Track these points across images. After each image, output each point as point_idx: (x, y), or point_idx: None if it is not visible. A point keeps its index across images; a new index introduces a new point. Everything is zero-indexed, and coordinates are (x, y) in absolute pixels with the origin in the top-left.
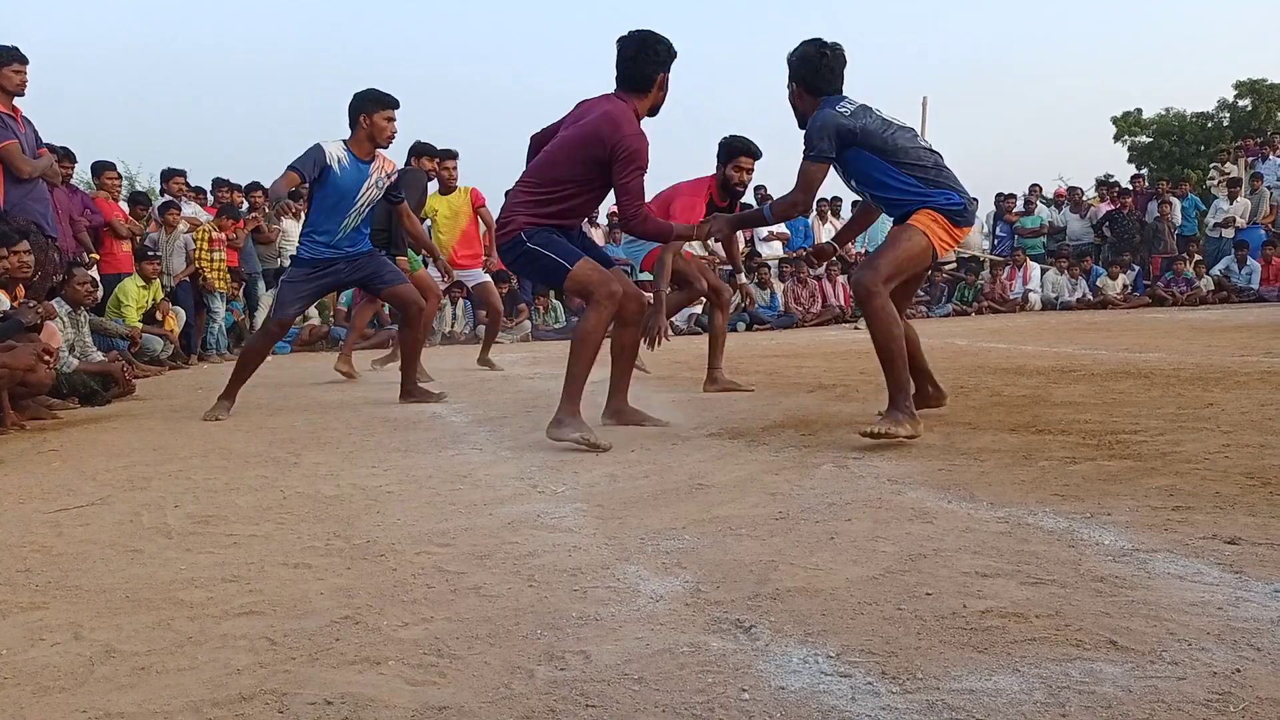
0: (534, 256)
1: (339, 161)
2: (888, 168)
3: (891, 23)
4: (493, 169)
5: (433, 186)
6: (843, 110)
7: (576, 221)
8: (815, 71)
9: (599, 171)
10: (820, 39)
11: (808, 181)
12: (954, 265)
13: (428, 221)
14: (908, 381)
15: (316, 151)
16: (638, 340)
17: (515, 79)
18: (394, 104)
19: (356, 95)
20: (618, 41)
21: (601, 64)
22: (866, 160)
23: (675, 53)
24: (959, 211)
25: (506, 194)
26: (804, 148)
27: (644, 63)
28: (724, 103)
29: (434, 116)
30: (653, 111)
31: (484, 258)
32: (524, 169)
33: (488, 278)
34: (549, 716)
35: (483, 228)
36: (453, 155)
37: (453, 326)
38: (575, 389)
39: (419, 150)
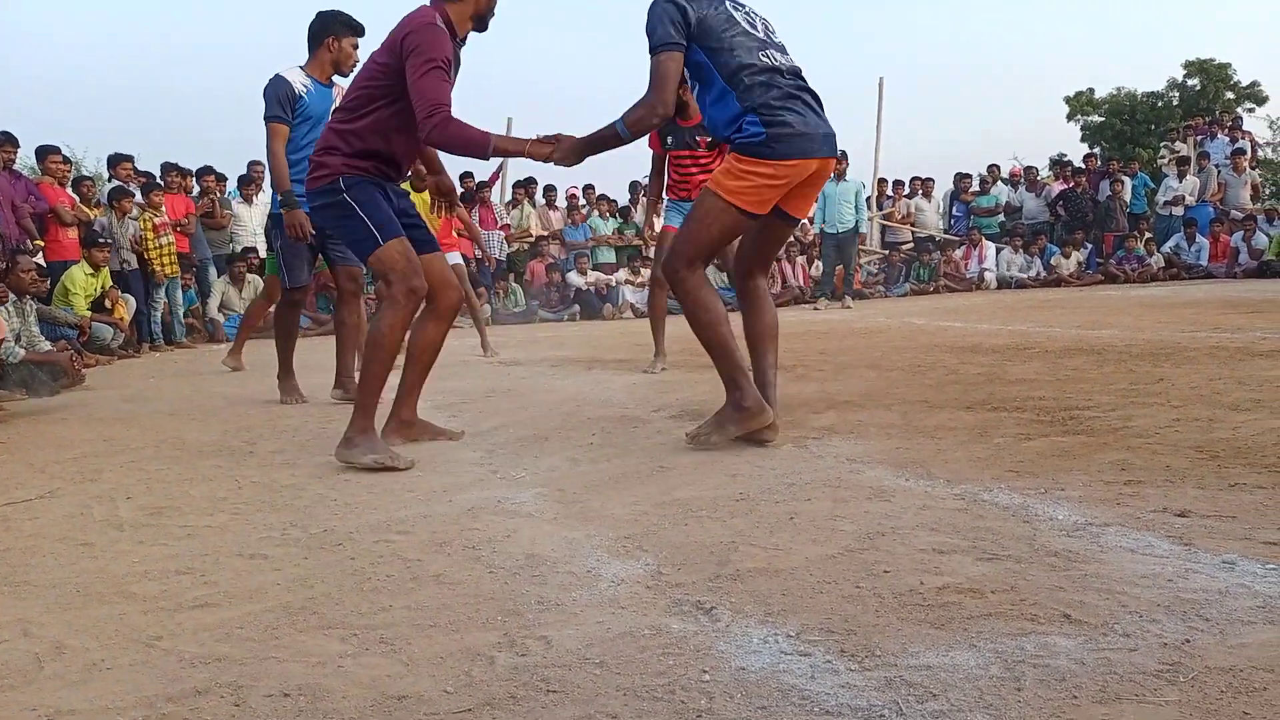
0: (347, 211)
1: (306, 89)
2: (716, 79)
3: (848, 3)
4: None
5: None
6: None
7: (393, 174)
8: None
9: (403, 86)
10: None
11: (659, 78)
12: (910, 245)
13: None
14: (739, 371)
15: (282, 85)
16: (442, 341)
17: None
18: (362, 32)
19: (325, 15)
20: None
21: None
22: (700, 67)
23: None
24: (759, 143)
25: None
26: (648, 42)
27: None
28: None
29: None
30: (479, 23)
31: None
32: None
33: (460, 260)
34: (510, 703)
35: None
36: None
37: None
38: (369, 401)
39: None
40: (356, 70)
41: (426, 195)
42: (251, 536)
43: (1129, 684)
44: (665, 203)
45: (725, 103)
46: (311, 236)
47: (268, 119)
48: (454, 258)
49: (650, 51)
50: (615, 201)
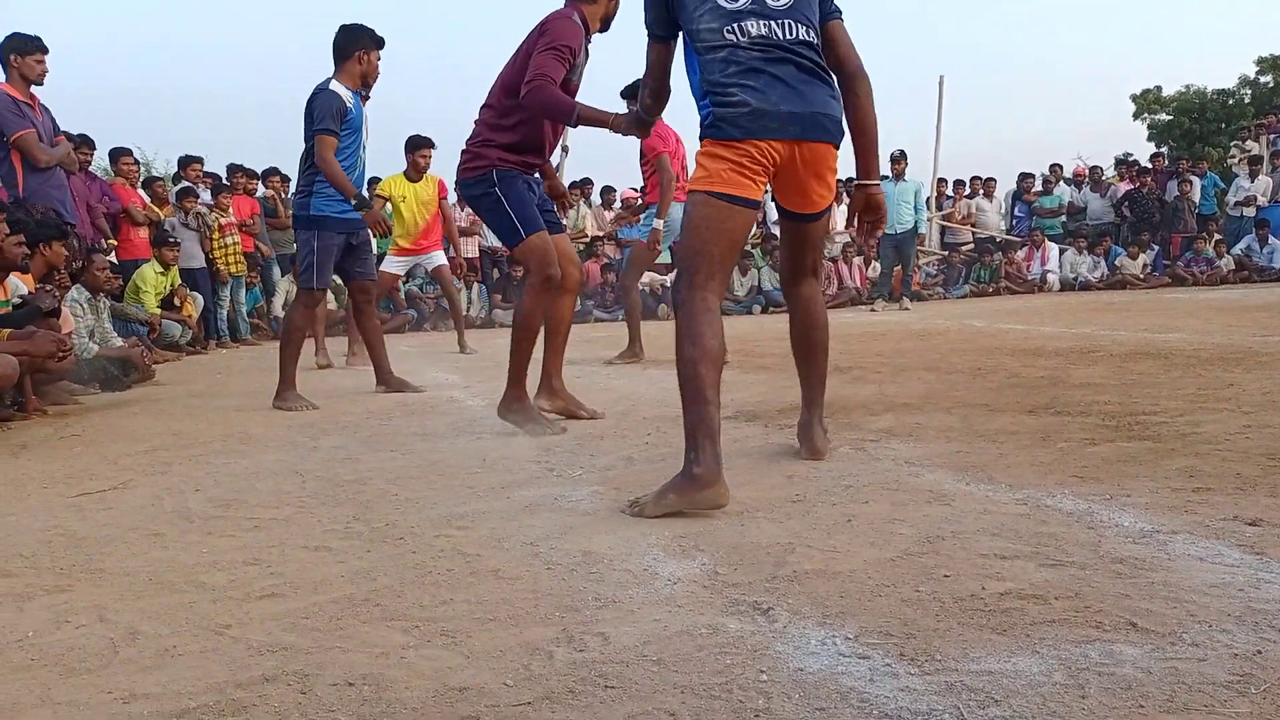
0: (497, 206)
1: (351, 103)
2: (693, 61)
3: (907, 1)
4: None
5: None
6: None
7: (538, 162)
8: None
9: None
10: None
11: (646, 67)
12: (970, 246)
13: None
14: (701, 429)
15: (336, 100)
16: (572, 312)
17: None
18: (384, 44)
19: (351, 30)
20: None
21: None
22: (686, 49)
23: None
24: (708, 124)
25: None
26: None
27: None
28: None
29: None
30: (604, 25)
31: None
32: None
33: (445, 260)
34: (568, 698)
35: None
36: (433, 145)
37: (468, 311)
38: (520, 373)
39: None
40: (505, 64)
41: (418, 188)
42: (316, 529)
43: (1198, 694)
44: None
45: (697, 84)
46: (336, 246)
47: (321, 131)
48: (439, 258)
49: None
50: None
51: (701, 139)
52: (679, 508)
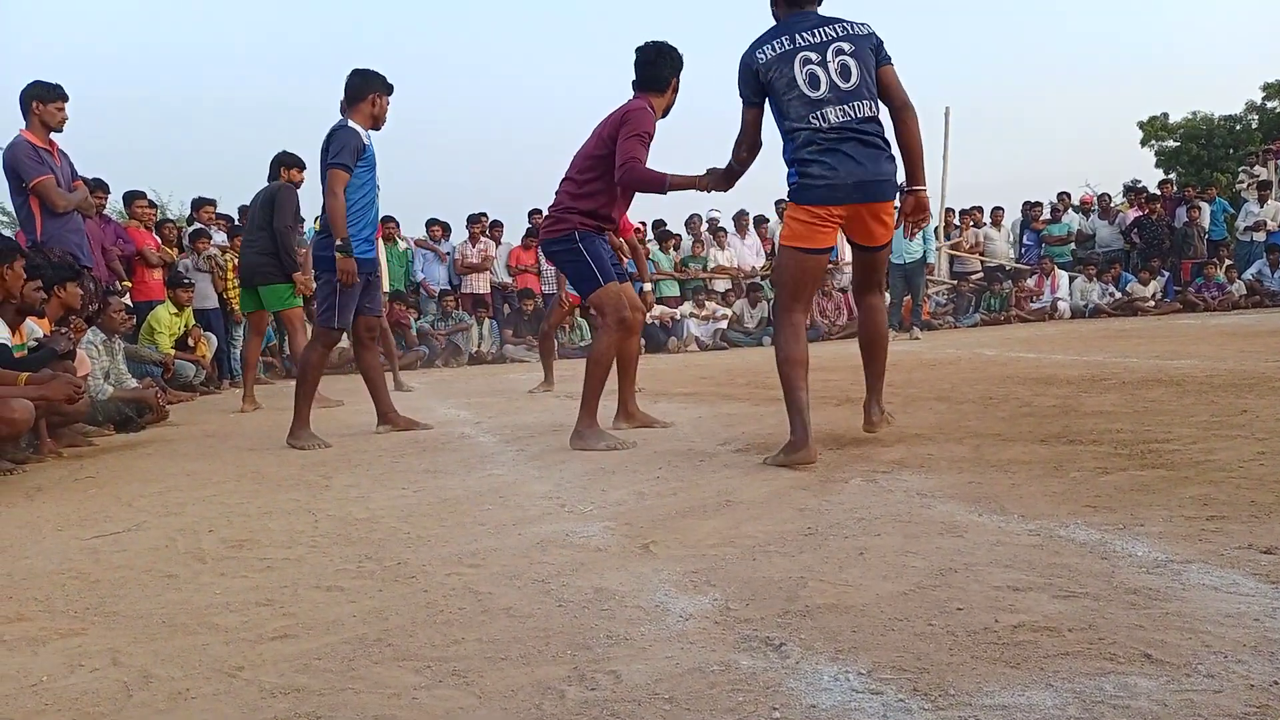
0: (578, 258)
1: (367, 140)
2: (781, 132)
3: (912, 32)
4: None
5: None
6: (760, 54)
7: (609, 226)
8: None
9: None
10: None
11: (742, 124)
12: (979, 275)
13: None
14: (793, 410)
15: (355, 138)
16: (637, 349)
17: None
18: (393, 90)
19: (364, 73)
20: (637, 50)
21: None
22: (775, 118)
23: (684, 62)
24: (793, 189)
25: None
26: None
27: (661, 66)
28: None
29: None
30: (665, 113)
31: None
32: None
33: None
34: None
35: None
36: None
37: (479, 346)
38: (592, 404)
39: (289, 161)
40: (584, 143)
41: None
42: (328, 569)
43: None
44: None
45: (785, 152)
46: (359, 287)
47: (337, 165)
48: None
49: None
50: (679, 236)
51: (789, 199)
52: (784, 462)
